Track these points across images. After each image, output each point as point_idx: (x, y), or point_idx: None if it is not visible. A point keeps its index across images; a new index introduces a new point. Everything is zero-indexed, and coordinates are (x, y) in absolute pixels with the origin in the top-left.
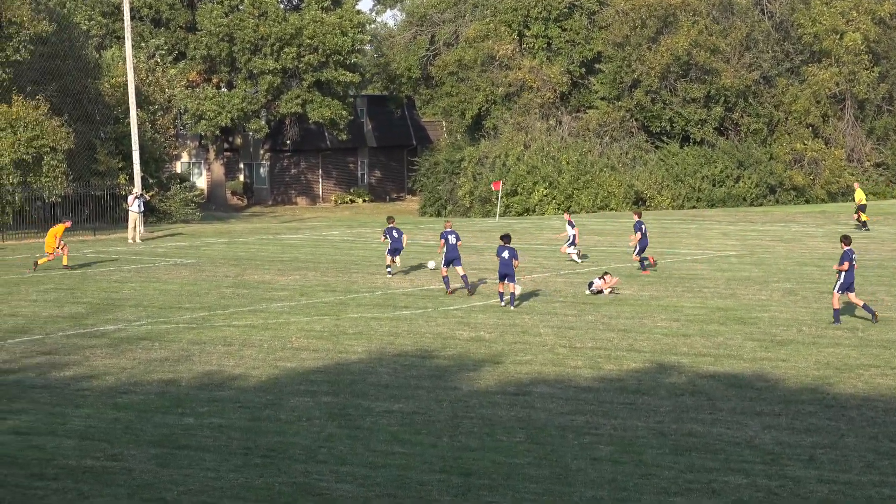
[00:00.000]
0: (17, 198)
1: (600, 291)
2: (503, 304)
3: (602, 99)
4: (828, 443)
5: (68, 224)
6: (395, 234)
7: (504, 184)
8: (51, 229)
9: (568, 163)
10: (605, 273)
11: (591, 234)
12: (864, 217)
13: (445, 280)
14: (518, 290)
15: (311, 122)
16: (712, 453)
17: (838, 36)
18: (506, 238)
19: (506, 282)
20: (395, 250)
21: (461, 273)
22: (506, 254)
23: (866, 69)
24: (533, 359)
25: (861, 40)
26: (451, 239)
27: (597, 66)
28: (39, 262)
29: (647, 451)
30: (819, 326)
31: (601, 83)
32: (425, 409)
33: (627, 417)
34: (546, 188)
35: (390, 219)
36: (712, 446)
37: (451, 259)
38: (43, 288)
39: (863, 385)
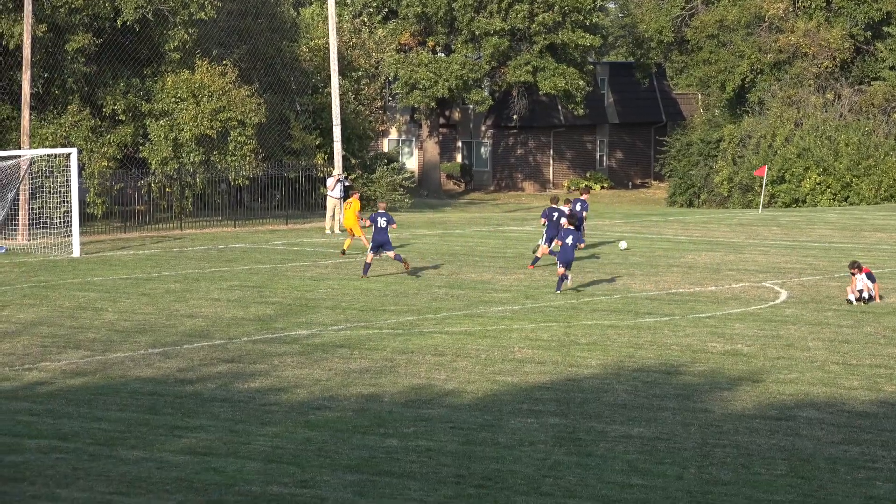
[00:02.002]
0: (198, 179)
1: (869, 298)
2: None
3: (891, 69)
4: None
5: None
6: (381, 221)
7: (770, 169)
8: (347, 207)
9: (847, 144)
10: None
11: (873, 231)
12: None
13: (366, 267)
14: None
15: (542, 93)
16: None
17: None
18: (555, 202)
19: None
20: (380, 246)
21: (393, 256)
22: (570, 239)
23: None
24: (799, 377)
25: None
26: (381, 222)
27: (885, 29)
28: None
29: None
30: None
31: (890, 50)
32: (670, 435)
33: None
34: (819, 175)
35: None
36: None
37: (381, 244)
38: (226, 285)
39: None
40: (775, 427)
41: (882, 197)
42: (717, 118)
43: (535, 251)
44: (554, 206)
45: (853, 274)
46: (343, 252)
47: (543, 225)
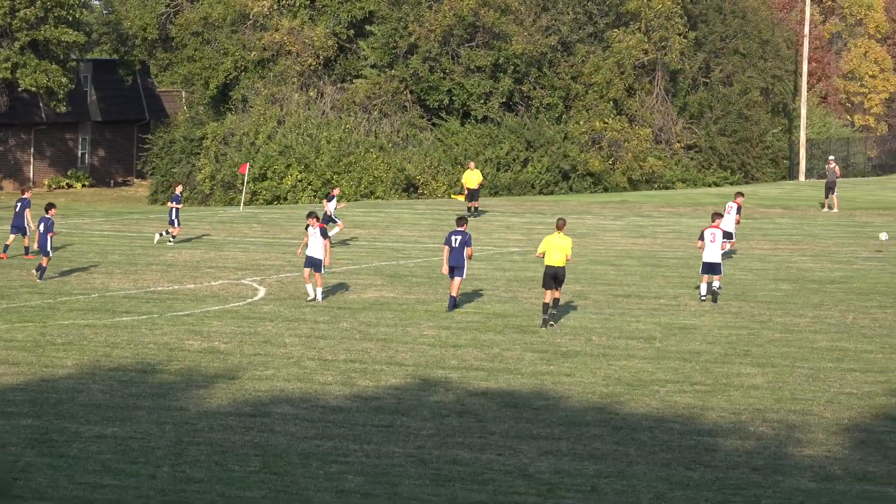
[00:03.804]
0: None
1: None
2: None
3: (372, 67)
4: (614, 471)
5: None
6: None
7: (252, 167)
8: None
9: (329, 142)
10: None
11: (353, 228)
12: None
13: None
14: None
15: (22, 89)
16: (479, 484)
17: None
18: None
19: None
20: (17, 228)
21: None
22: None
23: (679, 34)
24: (275, 374)
25: (674, 1)
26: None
27: (367, 27)
28: None
29: (403, 482)
30: (611, 336)
31: (372, 48)
32: (144, 434)
33: (383, 442)
34: (301, 172)
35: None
36: (480, 476)
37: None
38: None
39: (657, 403)
40: (250, 424)
41: (362, 193)
42: (200, 116)
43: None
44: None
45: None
46: None
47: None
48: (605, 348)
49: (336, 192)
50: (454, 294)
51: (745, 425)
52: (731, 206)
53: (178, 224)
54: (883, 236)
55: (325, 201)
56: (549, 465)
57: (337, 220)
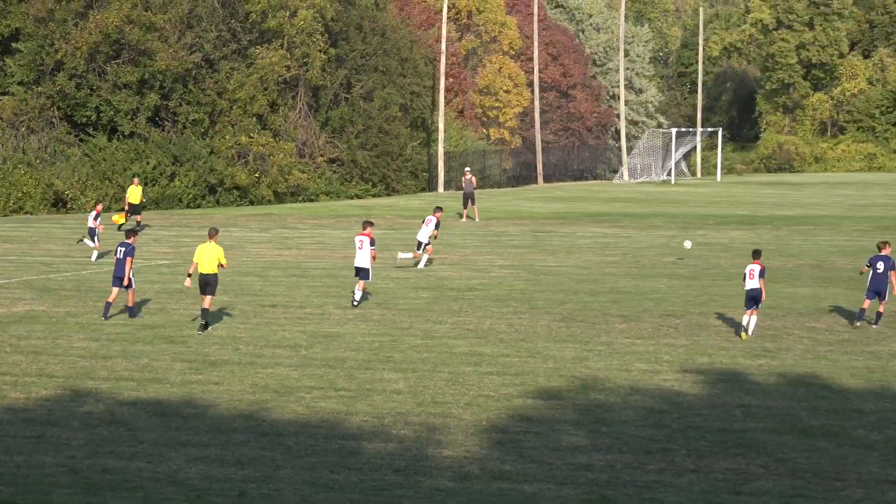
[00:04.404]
0: None
1: None
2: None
3: (19, 84)
4: (261, 475)
5: None
6: None
7: None
8: None
9: None
10: None
11: (2, 243)
12: (119, 219)
13: None
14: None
15: None
16: (129, 491)
17: (289, 13)
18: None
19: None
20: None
21: None
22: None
23: (321, 51)
24: None
25: (315, 18)
26: None
27: (14, 45)
28: None
29: (55, 492)
30: (258, 345)
31: (18, 65)
32: None
33: (33, 453)
34: None
35: None
36: (130, 483)
37: None
38: None
39: (303, 409)
40: None
41: (11, 209)
42: None
43: None
44: None
45: None
46: None
47: None
48: (252, 357)
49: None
50: (111, 301)
51: (387, 428)
52: (430, 220)
53: None
54: (687, 244)
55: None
56: (198, 472)
57: None
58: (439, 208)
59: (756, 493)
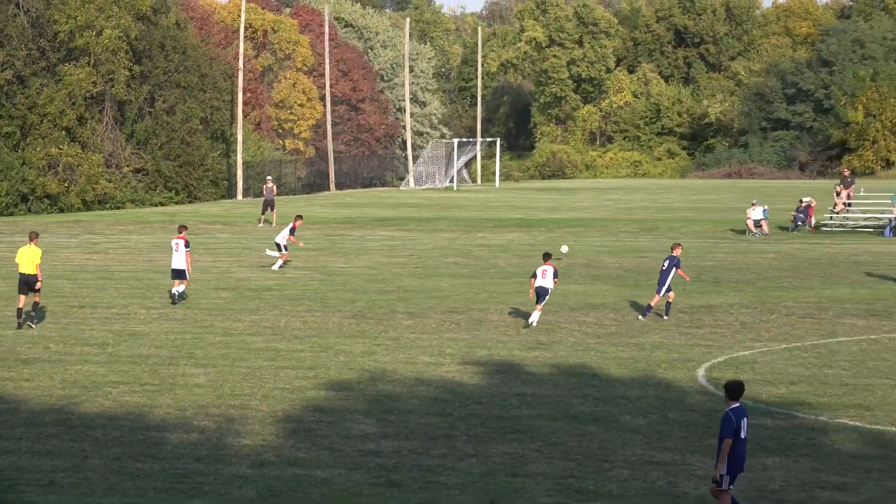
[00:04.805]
0: None
1: None
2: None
3: None
4: (70, 465)
5: None
6: None
7: None
8: None
9: None
10: None
11: None
12: None
13: None
14: None
15: None
16: None
17: (95, 32)
18: None
19: None
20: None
21: None
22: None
23: (125, 68)
24: None
25: (120, 37)
26: None
27: None
28: None
29: None
30: (67, 343)
31: None
32: None
33: None
34: None
35: None
36: None
37: None
38: None
39: (110, 403)
40: None
41: None
42: None
43: None
44: None
45: None
46: None
47: None
48: (62, 354)
49: None
50: None
51: (189, 420)
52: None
53: None
54: (563, 249)
55: None
56: (10, 463)
57: None
58: (299, 217)
59: (531, 475)
